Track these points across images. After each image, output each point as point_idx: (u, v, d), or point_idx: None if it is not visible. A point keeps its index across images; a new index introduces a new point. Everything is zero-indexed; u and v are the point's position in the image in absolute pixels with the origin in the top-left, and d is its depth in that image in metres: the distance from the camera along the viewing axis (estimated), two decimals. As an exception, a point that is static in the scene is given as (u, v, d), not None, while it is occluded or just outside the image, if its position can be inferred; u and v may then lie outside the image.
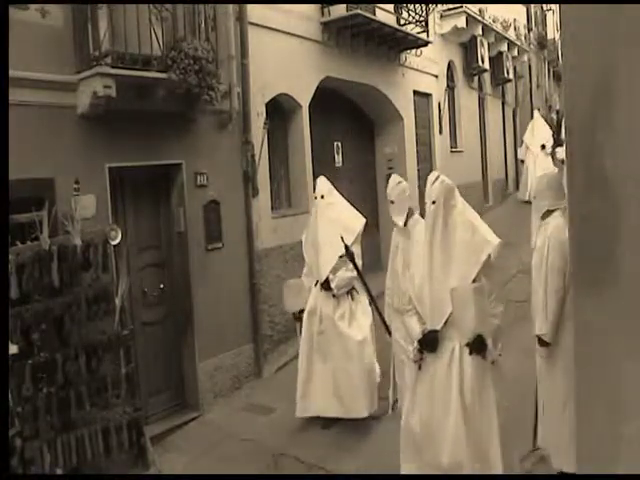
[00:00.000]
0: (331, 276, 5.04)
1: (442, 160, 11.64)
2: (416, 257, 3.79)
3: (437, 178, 3.57)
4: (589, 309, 1.36)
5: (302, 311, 5.24)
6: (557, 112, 19.49)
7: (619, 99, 1.27)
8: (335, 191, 5.39)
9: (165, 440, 5.30)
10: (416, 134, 10.73)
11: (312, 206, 5.34)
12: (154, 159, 5.48)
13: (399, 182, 4.83)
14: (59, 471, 4.01)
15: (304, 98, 7.64)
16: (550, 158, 13.27)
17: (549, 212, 3.98)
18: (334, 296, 5.06)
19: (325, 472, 4.57)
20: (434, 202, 3.48)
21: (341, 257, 5.00)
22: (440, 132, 11.64)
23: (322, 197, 5.23)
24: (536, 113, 14.61)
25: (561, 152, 12.70)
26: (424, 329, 3.52)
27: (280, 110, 7.54)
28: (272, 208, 7.12)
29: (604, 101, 1.28)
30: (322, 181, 5.38)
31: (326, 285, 5.06)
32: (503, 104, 15.82)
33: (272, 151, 7.17)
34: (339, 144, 9.29)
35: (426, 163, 11.22)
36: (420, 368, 3.57)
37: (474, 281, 3.41)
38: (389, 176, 10.59)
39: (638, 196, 1.26)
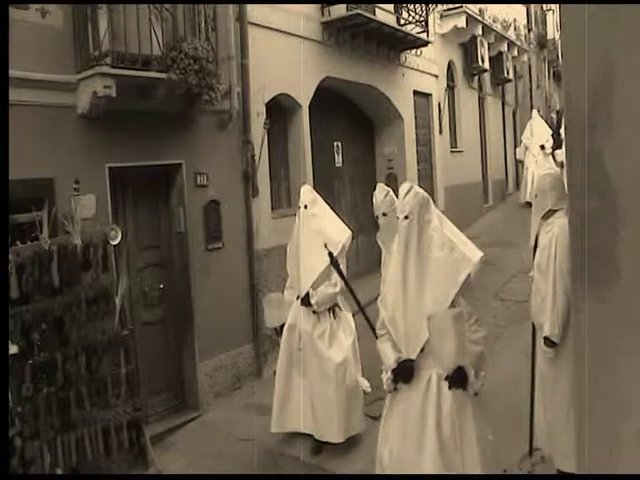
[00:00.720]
0: (312, 291, 4.71)
1: (442, 160, 11.64)
2: (389, 275, 3.38)
3: (410, 189, 3.23)
4: (589, 309, 1.36)
5: (284, 326, 4.96)
6: (557, 112, 19.48)
7: (619, 99, 1.27)
8: (320, 201, 5.03)
9: (165, 440, 5.30)
10: (416, 134, 10.73)
11: (296, 216, 5.01)
12: (154, 159, 5.48)
13: (388, 192, 4.51)
14: (59, 471, 4.02)
15: (304, 98, 7.64)
16: (550, 158, 13.20)
17: (552, 212, 3.97)
18: (314, 312, 4.76)
19: (325, 472, 4.58)
20: (407, 217, 3.15)
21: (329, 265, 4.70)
22: (440, 132, 11.64)
23: (305, 207, 4.86)
24: (534, 112, 14.44)
25: (561, 154, 12.63)
26: (398, 358, 3.19)
27: (280, 110, 7.54)
28: (272, 208, 7.12)
29: (604, 101, 1.28)
30: (305, 190, 5.01)
31: (306, 301, 4.74)
32: (503, 104, 15.82)
33: (272, 151, 7.17)
34: (339, 144, 9.29)
35: (426, 163, 11.23)
36: (394, 398, 3.28)
37: (452, 304, 3.10)
38: (389, 175, 10.65)
39: (638, 196, 1.26)
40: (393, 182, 10.33)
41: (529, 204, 12.72)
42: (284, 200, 7.81)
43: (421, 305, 3.10)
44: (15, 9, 4.27)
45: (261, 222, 6.78)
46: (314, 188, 7.89)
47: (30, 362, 3.94)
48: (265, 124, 6.74)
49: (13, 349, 3.80)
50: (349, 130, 9.68)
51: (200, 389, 5.85)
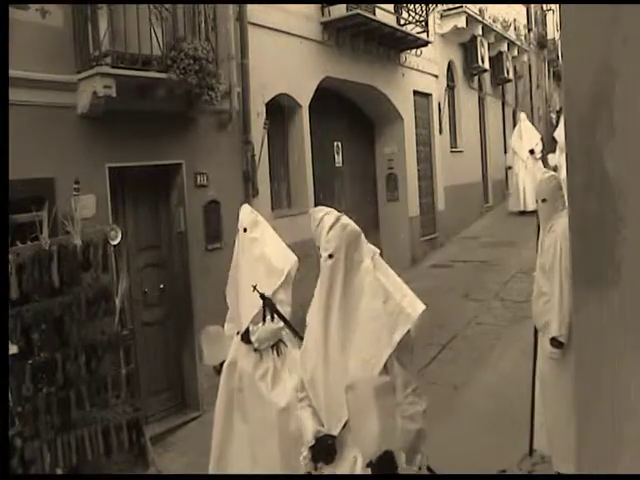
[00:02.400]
0: (252, 327, 4.05)
1: (442, 160, 11.65)
2: (311, 326, 2.70)
3: (336, 222, 2.53)
4: (589, 309, 1.36)
5: (224, 363, 4.36)
6: (557, 112, 19.49)
7: (619, 99, 1.27)
8: (262, 222, 4.29)
9: (165, 440, 5.30)
10: (416, 134, 10.75)
11: (236, 240, 4.33)
12: (154, 159, 5.48)
13: (325, 214, 3.15)
14: (59, 471, 4.02)
15: (304, 98, 7.64)
16: (540, 163, 12.92)
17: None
18: (256, 350, 4.11)
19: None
20: (331, 256, 2.49)
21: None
22: (440, 132, 11.65)
23: (245, 230, 4.18)
24: (522, 115, 13.96)
25: (553, 158, 12.38)
26: (318, 432, 2.54)
27: (280, 110, 7.54)
28: (272, 208, 7.12)
29: (604, 101, 1.28)
30: (245, 211, 4.29)
31: (246, 337, 4.10)
32: (503, 104, 15.83)
33: (272, 151, 7.18)
34: (339, 144, 9.30)
35: (426, 163, 11.24)
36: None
37: (385, 368, 2.44)
38: (389, 175, 10.62)
39: (638, 196, 1.26)
40: (393, 182, 10.36)
41: (521, 213, 12.57)
42: (284, 200, 7.82)
43: (345, 368, 2.46)
44: (15, 9, 4.27)
45: (261, 222, 6.77)
46: (314, 188, 7.98)
47: (30, 362, 3.94)
48: (265, 124, 6.74)
49: (13, 349, 3.80)
50: (349, 130, 9.69)
51: (200, 389, 5.85)
